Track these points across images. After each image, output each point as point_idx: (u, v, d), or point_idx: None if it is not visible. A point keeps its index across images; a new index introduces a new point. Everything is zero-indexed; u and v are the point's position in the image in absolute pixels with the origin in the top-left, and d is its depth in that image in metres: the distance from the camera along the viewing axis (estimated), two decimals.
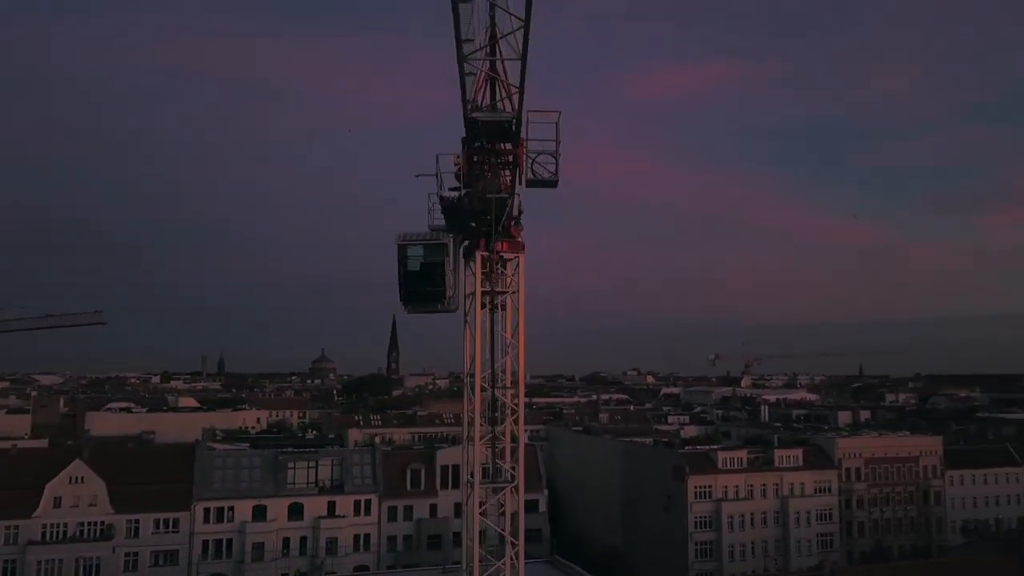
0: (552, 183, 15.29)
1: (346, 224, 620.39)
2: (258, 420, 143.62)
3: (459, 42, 11.62)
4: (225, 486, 69.10)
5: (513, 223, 20.14)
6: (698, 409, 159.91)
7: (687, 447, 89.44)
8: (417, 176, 19.30)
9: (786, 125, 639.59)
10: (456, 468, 74.77)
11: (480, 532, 22.56)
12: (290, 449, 75.78)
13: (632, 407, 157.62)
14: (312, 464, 71.86)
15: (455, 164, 17.70)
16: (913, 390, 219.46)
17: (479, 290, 20.18)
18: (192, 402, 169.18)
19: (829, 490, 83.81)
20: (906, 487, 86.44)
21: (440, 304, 20.76)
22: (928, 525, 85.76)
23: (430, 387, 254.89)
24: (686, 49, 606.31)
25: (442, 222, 21.06)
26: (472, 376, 20.77)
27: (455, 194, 17.97)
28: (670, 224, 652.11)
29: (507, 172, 16.26)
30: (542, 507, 75.94)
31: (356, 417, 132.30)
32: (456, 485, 74.58)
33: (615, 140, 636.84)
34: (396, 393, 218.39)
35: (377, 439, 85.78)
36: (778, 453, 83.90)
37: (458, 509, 74.10)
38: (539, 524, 75.03)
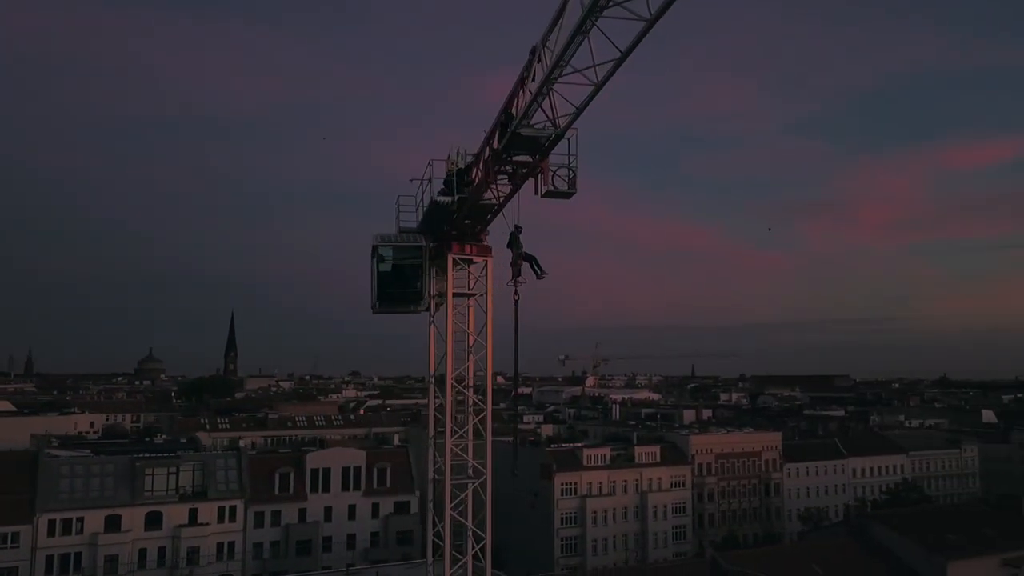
0: (568, 195, 15.83)
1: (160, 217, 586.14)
2: (92, 424, 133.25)
3: (552, 68, 11.79)
4: (74, 496, 64.01)
5: (480, 228, 20.61)
6: (551, 408, 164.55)
7: (552, 446, 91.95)
8: (412, 180, 19.47)
9: (627, 133, 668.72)
10: (327, 471, 73.41)
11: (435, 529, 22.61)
12: (146, 455, 71.11)
13: None
14: (172, 470, 67.91)
15: (448, 169, 17.93)
16: (743, 390, 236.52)
17: (451, 292, 20.41)
18: (8, 406, 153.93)
19: (683, 484, 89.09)
20: (750, 480, 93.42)
21: (415, 306, 20.88)
22: (769, 514, 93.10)
23: (274, 389, 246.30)
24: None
25: (411, 224, 21.22)
26: (439, 376, 21.08)
27: (449, 199, 18.15)
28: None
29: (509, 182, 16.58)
30: (414, 508, 75.63)
31: (202, 420, 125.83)
32: (327, 488, 73.25)
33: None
34: (239, 395, 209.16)
35: (242, 443, 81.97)
36: (638, 450, 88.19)
37: (328, 513, 72.97)
38: (411, 525, 74.80)
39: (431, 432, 22.95)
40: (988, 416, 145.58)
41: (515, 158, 15.49)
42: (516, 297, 17.98)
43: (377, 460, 75.33)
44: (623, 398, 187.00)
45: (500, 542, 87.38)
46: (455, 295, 20.79)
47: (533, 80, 13.46)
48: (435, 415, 22.16)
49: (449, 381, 21.00)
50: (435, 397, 22.19)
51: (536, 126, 14.06)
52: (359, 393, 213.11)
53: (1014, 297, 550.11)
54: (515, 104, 14.49)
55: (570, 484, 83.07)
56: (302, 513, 71.24)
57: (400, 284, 20.06)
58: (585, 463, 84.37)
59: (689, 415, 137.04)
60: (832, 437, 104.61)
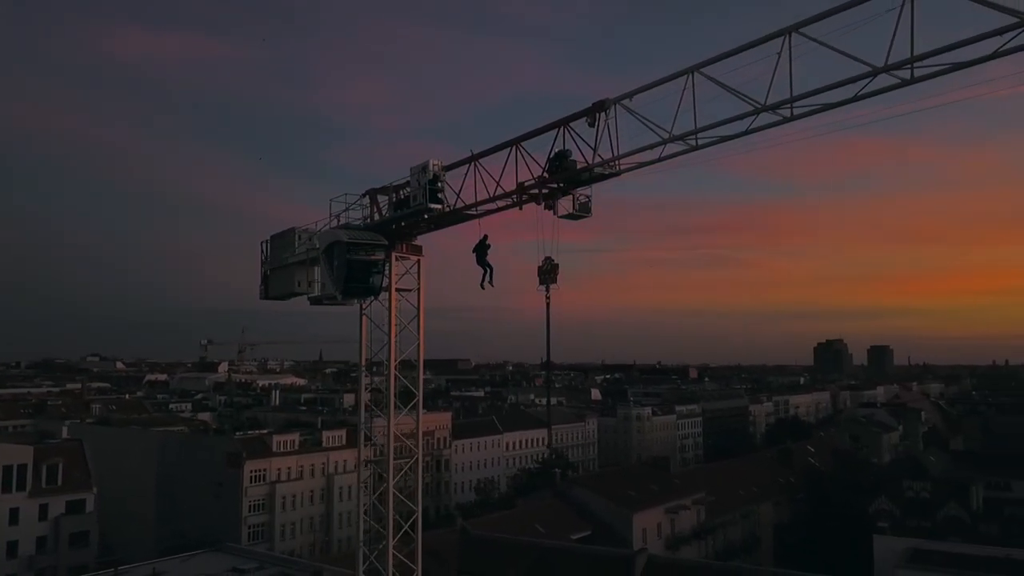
0: (581, 217, 18.78)
1: None
2: None
3: (682, 136, 14.94)
4: None
5: (419, 232, 22.78)
6: (199, 396, 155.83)
7: (237, 433, 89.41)
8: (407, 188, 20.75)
9: (261, 113, 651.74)
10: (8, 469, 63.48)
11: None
12: None
13: (128, 396, 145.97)
14: None
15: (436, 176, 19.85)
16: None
17: (394, 286, 22.10)
18: None
19: (367, 465, 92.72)
20: (425, 457, 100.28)
21: (373, 296, 22.10)
22: (440, 488, 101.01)
23: None
24: (146, 12, 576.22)
25: (353, 223, 22.51)
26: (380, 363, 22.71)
27: (439, 206, 19.88)
28: (140, 203, 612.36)
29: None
30: (90, 506, 68.64)
31: None
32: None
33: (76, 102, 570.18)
34: None
35: None
36: (325, 434, 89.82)
37: None
38: (87, 526, 67.93)
39: (360, 419, 24.34)
40: (595, 394, 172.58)
41: (549, 184, 18.31)
42: (548, 298, 20.51)
43: (46, 456, 66.87)
44: (269, 383, 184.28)
45: (161, 542, 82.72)
46: (389, 289, 22.58)
47: (592, 126, 16.73)
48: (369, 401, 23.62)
49: (392, 367, 22.79)
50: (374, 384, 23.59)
51: (603, 165, 17.20)
52: None
53: (598, 294, 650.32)
54: (557, 141, 17.63)
55: (259, 471, 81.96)
56: None
57: (363, 277, 21.28)
58: (275, 449, 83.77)
59: (349, 398, 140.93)
60: (490, 415, 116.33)
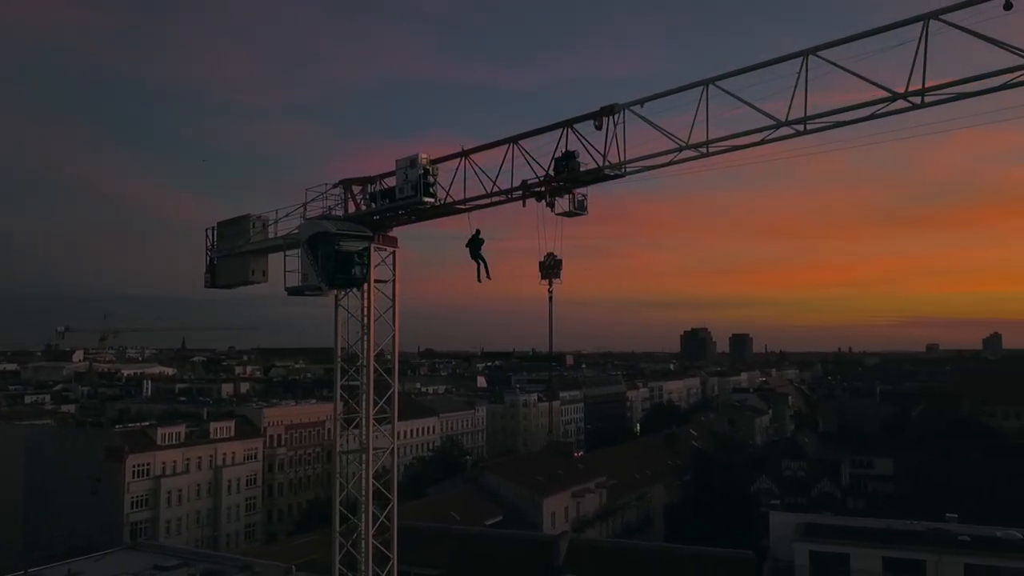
0: (577, 215, 19.30)
1: None
2: None
3: (699, 144, 15.69)
4: None
5: (397, 224, 22.89)
6: (59, 387, 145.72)
7: (117, 426, 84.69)
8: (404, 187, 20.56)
9: (127, 88, 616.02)
10: None
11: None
12: None
13: None
14: None
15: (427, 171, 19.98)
16: (254, 363, 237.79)
17: (372, 277, 22.04)
18: None
19: (256, 457, 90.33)
20: (315, 448, 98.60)
21: (355, 287, 21.95)
22: (330, 479, 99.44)
23: None
24: None
25: (329, 213, 22.34)
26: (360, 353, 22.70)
27: (432, 200, 19.96)
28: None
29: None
30: None
31: None
32: None
33: None
34: None
35: None
36: (213, 426, 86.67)
37: None
38: None
39: (336, 410, 24.20)
40: (481, 382, 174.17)
41: (553, 183, 18.81)
42: (551, 292, 20.85)
43: None
44: (134, 372, 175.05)
45: (29, 542, 77.86)
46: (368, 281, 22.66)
47: (599, 129, 17.49)
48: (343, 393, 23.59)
49: (370, 359, 22.79)
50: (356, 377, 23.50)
51: (611, 167, 17.88)
52: None
53: (472, 283, 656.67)
54: (562, 143, 18.27)
55: (143, 465, 78.19)
56: None
57: (348, 268, 21.14)
58: (160, 442, 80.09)
59: (228, 388, 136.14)
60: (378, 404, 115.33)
